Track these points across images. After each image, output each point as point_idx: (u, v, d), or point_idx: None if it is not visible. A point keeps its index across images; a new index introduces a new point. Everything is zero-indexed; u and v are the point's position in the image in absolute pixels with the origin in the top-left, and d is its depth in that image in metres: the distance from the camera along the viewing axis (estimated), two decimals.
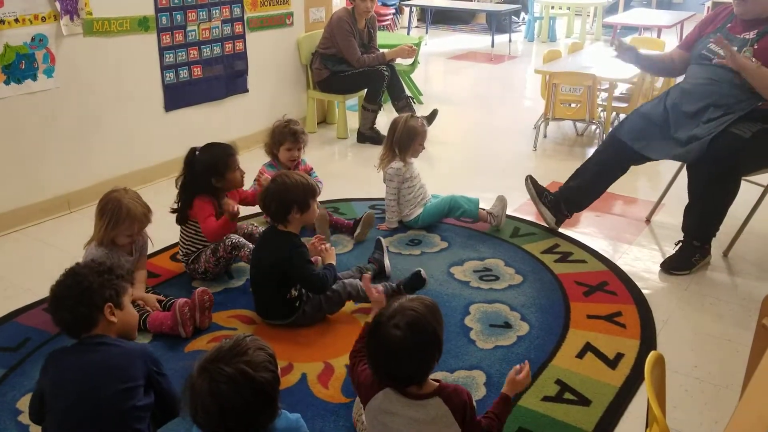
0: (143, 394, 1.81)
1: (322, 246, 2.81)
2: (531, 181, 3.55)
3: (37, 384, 1.88)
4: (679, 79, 3.46)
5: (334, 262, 2.75)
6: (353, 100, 5.44)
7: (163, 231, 3.27)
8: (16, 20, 3.37)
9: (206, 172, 2.93)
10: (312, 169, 3.62)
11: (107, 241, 2.64)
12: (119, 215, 2.62)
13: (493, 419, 1.88)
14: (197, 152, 2.97)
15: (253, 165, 3.27)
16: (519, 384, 1.97)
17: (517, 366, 1.98)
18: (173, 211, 3.01)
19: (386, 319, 1.72)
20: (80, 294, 1.85)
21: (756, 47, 2.97)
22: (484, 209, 3.55)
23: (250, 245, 3.01)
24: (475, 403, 1.83)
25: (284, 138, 3.41)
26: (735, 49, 2.97)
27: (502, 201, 3.56)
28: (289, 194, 2.62)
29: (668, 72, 3.67)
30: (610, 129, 3.89)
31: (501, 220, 3.51)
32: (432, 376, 1.81)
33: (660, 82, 5.10)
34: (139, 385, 1.80)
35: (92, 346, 1.84)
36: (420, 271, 2.92)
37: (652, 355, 1.41)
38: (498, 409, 1.91)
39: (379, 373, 1.77)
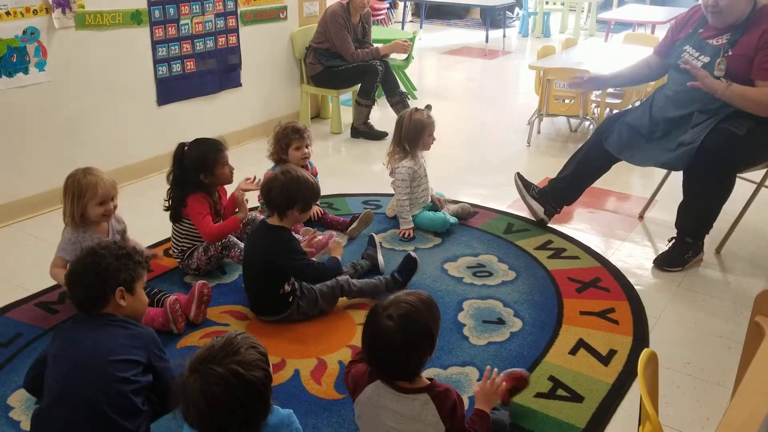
0: (142, 373, 1.85)
1: (330, 240, 2.89)
2: (518, 177, 3.61)
3: (42, 351, 1.95)
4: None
5: (339, 257, 2.79)
6: (347, 95, 5.42)
7: (156, 226, 3.27)
8: (8, 13, 3.33)
9: (195, 168, 2.91)
10: (317, 174, 3.55)
11: (78, 220, 2.60)
12: (81, 184, 2.59)
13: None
14: (186, 147, 2.95)
15: (245, 160, 3.26)
16: (488, 393, 1.93)
17: (486, 375, 1.96)
18: (166, 209, 3.00)
19: (381, 309, 1.74)
20: (96, 274, 1.92)
21: (730, 54, 2.98)
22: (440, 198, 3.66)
23: (241, 245, 3.01)
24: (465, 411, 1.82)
25: (290, 139, 3.35)
26: (708, 60, 3.02)
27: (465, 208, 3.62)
28: (298, 190, 2.60)
29: (647, 78, 3.68)
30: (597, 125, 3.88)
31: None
32: (425, 373, 1.80)
33: None
34: (137, 361, 1.84)
35: (100, 322, 1.91)
36: (410, 253, 2.93)
37: (645, 352, 1.41)
38: (476, 424, 1.88)
39: (370, 363, 1.79)
